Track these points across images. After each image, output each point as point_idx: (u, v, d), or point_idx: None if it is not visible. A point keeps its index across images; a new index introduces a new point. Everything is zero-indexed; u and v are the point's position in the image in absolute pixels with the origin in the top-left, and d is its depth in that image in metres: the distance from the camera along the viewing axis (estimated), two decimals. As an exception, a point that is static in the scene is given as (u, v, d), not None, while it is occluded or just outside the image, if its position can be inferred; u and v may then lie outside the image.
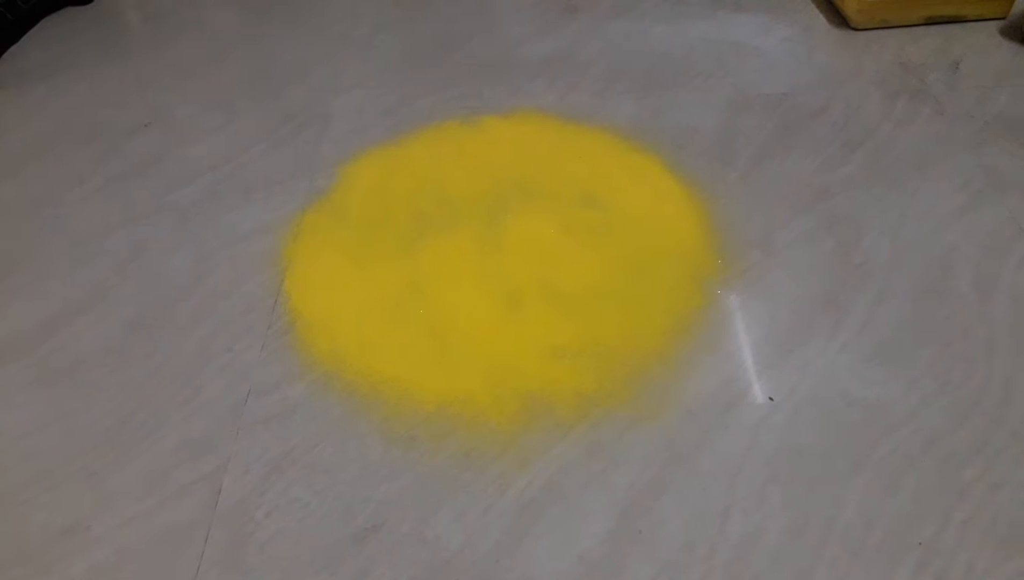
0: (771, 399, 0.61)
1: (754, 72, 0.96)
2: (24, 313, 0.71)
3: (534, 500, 0.56)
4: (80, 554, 0.55)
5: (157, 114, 0.90)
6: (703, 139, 0.86)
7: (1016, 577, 0.51)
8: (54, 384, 0.65)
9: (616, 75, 0.96)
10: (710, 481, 0.57)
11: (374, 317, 0.69)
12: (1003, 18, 1.01)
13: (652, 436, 0.60)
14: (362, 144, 0.87)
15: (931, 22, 1.01)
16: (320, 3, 1.13)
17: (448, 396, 0.63)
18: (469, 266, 0.72)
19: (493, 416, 0.61)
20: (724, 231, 0.75)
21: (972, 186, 0.78)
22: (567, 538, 0.54)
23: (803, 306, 0.68)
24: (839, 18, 1.03)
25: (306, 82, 0.97)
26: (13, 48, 1.04)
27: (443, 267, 0.72)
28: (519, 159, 0.80)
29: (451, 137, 0.84)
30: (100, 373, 0.66)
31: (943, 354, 0.63)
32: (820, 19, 1.04)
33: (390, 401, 0.63)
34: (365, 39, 1.05)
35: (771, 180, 0.80)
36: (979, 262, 0.70)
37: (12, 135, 0.91)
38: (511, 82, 0.94)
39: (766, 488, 0.56)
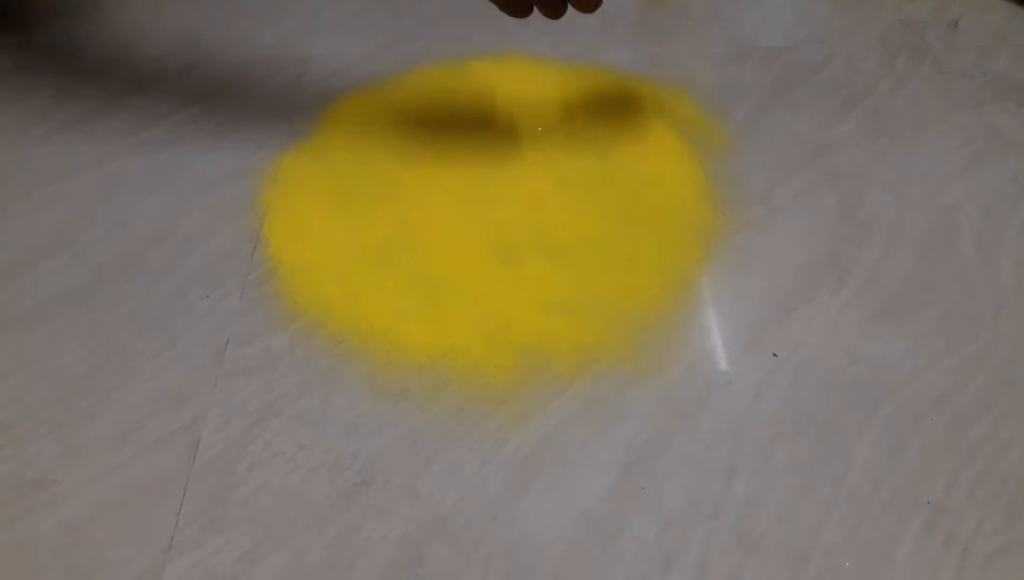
0: (775, 355, 0.60)
1: (753, 24, 0.94)
2: (-18, 257, 0.67)
3: (532, 456, 0.55)
4: (49, 508, 0.52)
5: (123, 52, 0.87)
6: (700, 91, 0.84)
7: (1027, 537, 0.51)
8: (16, 331, 0.62)
9: (611, 22, 0.94)
10: (714, 438, 0.56)
11: (360, 266, 0.66)
12: (1002, -22, 1.00)
13: (653, 392, 0.59)
14: (343, 87, 0.84)
15: (930, -21, 1.00)
16: (296, -59, 1.09)
17: (441, 348, 0.61)
18: (459, 214, 0.70)
19: (488, 370, 0.59)
20: (723, 185, 0.73)
21: (973, 145, 0.77)
22: (567, 495, 0.53)
23: (806, 262, 0.67)
24: (837, -28, 1.02)
25: (282, 24, 0.93)
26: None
27: (432, 215, 0.70)
28: (510, 105, 0.78)
29: (439, 82, 0.81)
30: (67, 320, 0.63)
31: (948, 313, 0.63)
32: (818, -28, 1.03)
33: (379, 353, 0.61)
34: (344, -21, 1.02)
35: (771, 135, 0.79)
36: (982, 222, 0.70)
37: (-34, 70, 0.86)
38: (501, 27, 0.91)
39: (772, 446, 0.55)
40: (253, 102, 0.83)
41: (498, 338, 0.62)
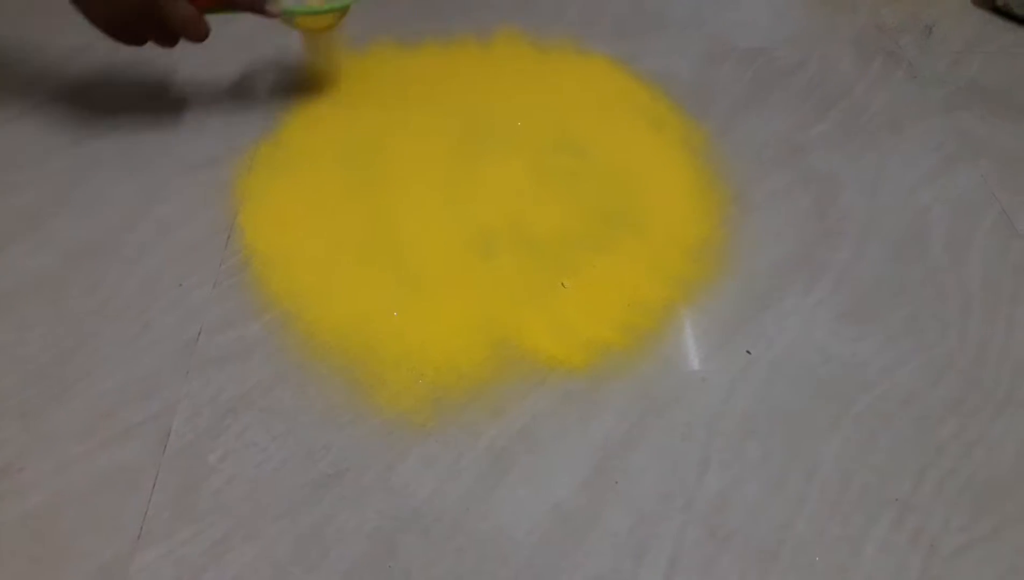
0: (748, 353, 0.61)
1: (731, 25, 0.95)
2: (-51, 240, 0.66)
3: (507, 449, 0.55)
4: (13, 498, 0.52)
5: (101, 35, 0.85)
6: (679, 89, 0.85)
7: (992, 533, 0.51)
8: (-17, 316, 0.61)
9: (591, 19, 0.94)
10: (687, 434, 0.56)
11: (336, 256, 0.66)
12: (976, -14, 1.02)
13: (628, 387, 0.59)
14: (322, 77, 0.83)
15: (905, -16, 1.02)
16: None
17: (416, 341, 0.61)
18: (437, 207, 0.70)
19: (464, 362, 0.59)
20: (699, 183, 0.74)
21: (945, 149, 0.79)
22: (541, 488, 0.53)
23: (780, 261, 0.68)
24: (815, -25, 1.03)
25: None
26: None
27: (410, 207, 0.70)
28: (491, 100, 0.78)
29: (420, 75, 0.81)
30: (35, 306, 0.62)
31: (918, 314, 0.64)
32: (796, -25, 1.04)
33: (354, 344, 0.60)
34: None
35: (747, 134, 0.80)
36: (953, 225, 0.71)
37: (-65, 50, 0.85)
38: (482, 20, 0.92)
39: (744, 442, 0.56)
40: (233, 89, 0.82)
41: (474, 331, 0.62)
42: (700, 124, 0.81)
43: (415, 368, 0.59)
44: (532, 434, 0.56)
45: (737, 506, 0.52)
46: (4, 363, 0.58)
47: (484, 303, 0.63)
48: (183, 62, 0.83)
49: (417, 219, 0.69)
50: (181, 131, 0.77)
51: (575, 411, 0.57)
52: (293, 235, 0.68)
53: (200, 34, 0.68)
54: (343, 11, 0.73)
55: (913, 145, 0.79)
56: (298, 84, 0.83)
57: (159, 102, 0.79)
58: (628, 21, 0.96)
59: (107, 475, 0.53)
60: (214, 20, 0.70)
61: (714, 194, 0.73)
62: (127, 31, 0.68)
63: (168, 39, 0.69)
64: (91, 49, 0.85)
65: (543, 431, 0.56)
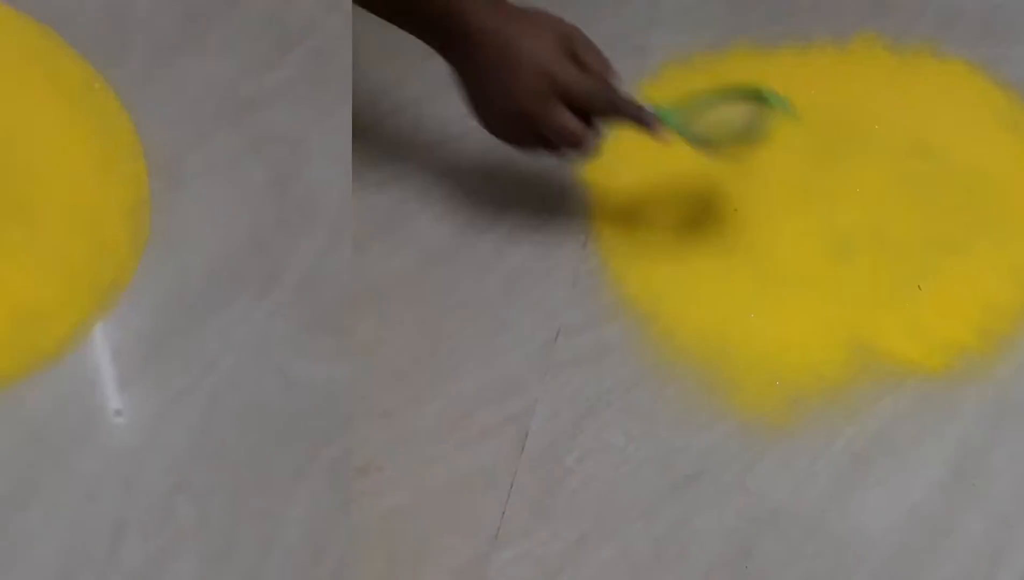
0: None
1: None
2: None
3: (864, 451, 0.81)
4: (375, 495, 0.78)
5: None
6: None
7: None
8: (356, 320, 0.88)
9: (951, 20, 1.23)
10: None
11: (693, 257, 0.97)
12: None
13: (985, 390, 0.85)
14: (678, 78, 1.15)
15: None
16: None
17: (773, 343, 0.90)
18: (794, 209, 1.02)
19: (821, 365, 0.88)
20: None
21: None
22: (898, 490, 0.78)
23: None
24: None
25: (621, 13, 1.26)
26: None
27: (767, 209, 1.01)
28: (847, 101, 1.12)
29: (770, 76, 1.08)
30: (395, 306, 0.93)
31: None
32: None
33: (711, 346, 0.89)
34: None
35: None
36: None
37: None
38: (840, 24, 1.24)
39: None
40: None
41: (831, 334, 0.90)
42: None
43: (772, 370, 0.87)
44: (889, 436, 0.82)
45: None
46: (366, 363, 0.86)
47: (840, 306, 0.92)
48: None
49: (774, 221, 0.98)
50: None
51: (932, 414, 0.83)
52: (650, 235, 0.97)
53: (578, 144, 0.88)
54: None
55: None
56: (655, 85, 1.13)
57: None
58: (991, 21, 1.22)
59: (465, 475, 0.79)
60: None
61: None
62: (517, 139, 0.92)
63: (551, 148, 0.90)
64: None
65: (900, 433, 0.82)
